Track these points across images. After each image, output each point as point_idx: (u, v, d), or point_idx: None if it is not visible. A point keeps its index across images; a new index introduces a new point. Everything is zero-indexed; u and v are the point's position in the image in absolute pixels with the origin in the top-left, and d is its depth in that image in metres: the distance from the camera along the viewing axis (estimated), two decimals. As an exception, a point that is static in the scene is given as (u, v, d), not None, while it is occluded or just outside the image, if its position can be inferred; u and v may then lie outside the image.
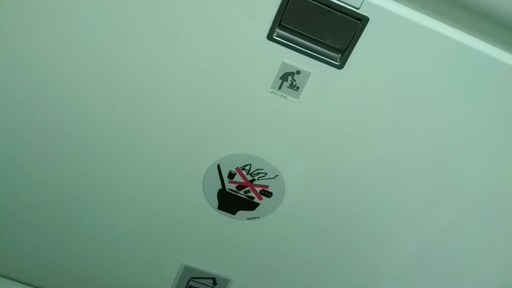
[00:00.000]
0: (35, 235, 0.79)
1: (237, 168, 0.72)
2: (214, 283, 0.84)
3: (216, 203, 0.75)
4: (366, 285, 0.83)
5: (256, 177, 0.73)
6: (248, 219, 0.77)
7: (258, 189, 0.74)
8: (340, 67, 0.60)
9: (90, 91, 0.65)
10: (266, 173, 0.72)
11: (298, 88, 0.63)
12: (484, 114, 0.64)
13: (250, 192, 0.74)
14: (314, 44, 0.60)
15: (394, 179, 0.71)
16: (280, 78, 0.62)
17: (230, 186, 0.74)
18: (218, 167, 0.72)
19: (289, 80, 0.62)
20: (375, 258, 0.80)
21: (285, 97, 0.64)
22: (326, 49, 0.60)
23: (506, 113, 0.64)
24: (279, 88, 0.63)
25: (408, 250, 0.78)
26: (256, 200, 0.75)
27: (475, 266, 0.80)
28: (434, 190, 0.72)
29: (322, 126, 0.66)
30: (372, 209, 0.74)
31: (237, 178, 0.73)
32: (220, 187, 0.74)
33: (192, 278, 0.84)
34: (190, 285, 0.85)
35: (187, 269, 0.83)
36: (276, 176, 0.72)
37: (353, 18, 0.57)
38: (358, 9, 0.56)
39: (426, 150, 0.68)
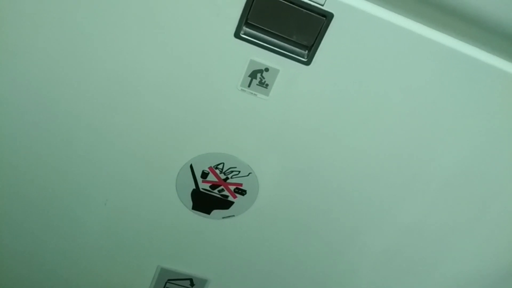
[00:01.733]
0: (7, 241, 0.78)
1: (210, 167, 0.72)
2: (192, 284, 0.84)
3: (190, 203, 0.75)
4: (341, 278, 0.84)
5: (229, 176, 0.73)
6: (223, 218, 0.77)
7: (232, 188, 0.74)
8: (307, 63, 0.61)
9: (58, 91, 0.63)
10: (239, 171, 0.72)
11: (267, 85, 0.64)
12: (446, 102, 0.66)
13: (224, 190, 0.74)
14: (281, 41, 0.60)
15: (364, 174, 0.72)
16: (249, 76, 0.63)
17: (203, 186, 0.74)
18: (191, 167, 0.71)
19: (258, 77, 0.63)
20: (349, 251, 0.81)
21: (255, 94, 0.64)
22: (293, 45, 0.61)
23: (470, 101, 0.66)
24: (249, 85, 0.63)
25: (381, 242, 0.80)
26: (230, 198, 0.75)
27: (447, 255, 0.82)
28: (404, 183, 0.73)
29: (293, 122, 0.67)
30: (345, 204, 0.75)
31: (211, 177, 0.73)
32: (194, 187, 0.73)
33: (169, 280, 0.84)
34: (167, 287, 0.84)
35: (163, 271, 0.82)
36: (249, 173, 0.73)
37: (318, 14, 0.58)
38: (322, 5, 0.57)
39: (395, 144, 0.70)
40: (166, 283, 0.84)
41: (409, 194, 0.75)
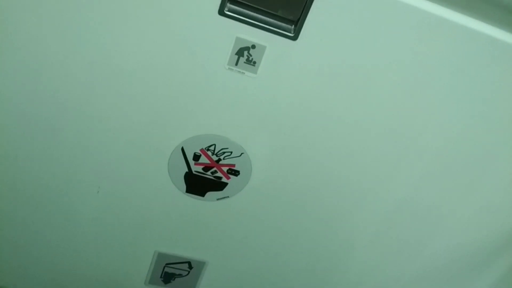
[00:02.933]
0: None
1: (201, 149, 0.71)
2: (190, 267, 0.84)
3: (184, 186, 0.75)
4: (336, 255, 0.85)
5: (221, 157, 0.72)
6: (218, 199, 0.77)
7: (225, 169, 0.74)
8: (294, 38, 0.60)
9: (44, 77, 0.62)
10: (231, 152, 0.72)
11: (255, 63, 0.62)
12: (438, 75, 0.65)
13: (217, 172, 0.74)
14: (267, 16, 0.59)
15: (357, 148, 0.72)
16: (236, 54, 0.61)
17: (196, 168, 0.73)
18: (182, 150, 0.71)
19: (245, 55, 0.62)
20: (343, 228, 0.81)
21: (242, 73, 0.63)
22: (279, 21, 0.59)
23: (460, 71, 0.65)
24: (236, 64, 0.62)
25: (374, 218, 0.80)
26: (224, 180, 0.75)
27: (441, 228, 0.83)
28: (396, 157, 0.73)
29: (283, 99, 0.66)
30: (338, 180, 0.75)
31: (203, 159, 0.72)
32: (186, 170, 0.73)
33: (167, 264, 0.84)
34: (166, 272, 0.84)
35: (161, 255, 0.82)
36: (241, 154, 0.72)
37: (303, -13, 0.57)
38: (307, -23, 0.56)
39: (386, 118, 0.69)
40: (164, 267, 0.84)
41: (401, 168, 0.75)
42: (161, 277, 0.85)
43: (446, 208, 0.80)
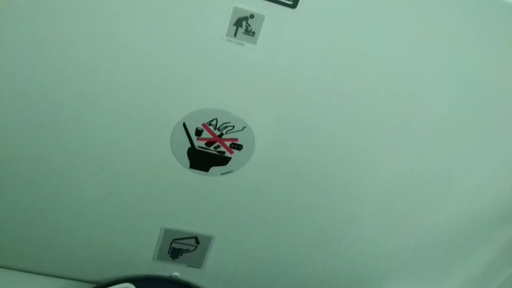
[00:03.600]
0: (7, 214, 0.78)
1: (203, 124, 0.71)
2: (197, 242, 0.85)
3: (187, 162, 0.74)
4: (342, 226, 0.85)
5: (224, 131, 0.72)
6: (222, 174, 0.77)
7: (227, 143, 0.73)
8: (293, 6, 0.59)
9: (45, 58, 0.61)
10: (233, 126, 0.71)
11: (254, 33, 0.61)
12: (442, 38, 0.64)
13: (220, 147, 0.73)
14: (264, -16, 0.58)
15: (360, 118, 0.71)
16: (234, 25, 0.60)
17: (199, 144, 0.73)
18: (184, 125, 0.70)
19: (243, 25, 0.60)
20: (349, 199, 0.81)
21: (242, 44, 0.62)
22: (277, -12, 0.58)
23: (466, 34, 0.64)
24: (235, 35, 0.61)
25: (379, 188, 0.80)
26: (227, 154, 0.74)
27: (447, 195, 0.83)
28: (400, 124, 0.72)
29: (284, 70, 0.65)
30: (342, 150, 0.75)
31: (205, 134, 0.72)
32: (189, 145, 0.73)
33: (174, 240, 0.84)
34: (173, 247, 0.85)
35: (168, 231, 0.83)
36: (244, 127, 0.71)
37: (300, -49, 0.55)
38: None
39: (389, 84, 0.68)
40: (171, 243, 0.85)
41: (405, 136, 0.74)
42: (168, 252, 0.86)
43: (451, 177, 0.80)
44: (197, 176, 0.76)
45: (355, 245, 0.88)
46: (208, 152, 0.74)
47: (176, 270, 0.89)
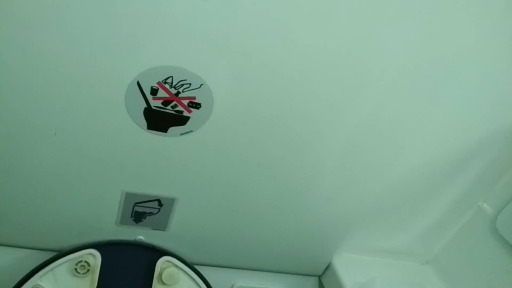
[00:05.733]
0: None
1: (158, 83, 0.69)
2: (160, 204, 0.84)
3: (145, 123, 0.73)
4: (305, 181, 0.86)
5: (180, 90, 0.70)
6: (181, 134, 0.75)
7: (185, 102, 0.72)
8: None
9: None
10: (190, 84, 0.69)
11: (205, -16, 0.59)
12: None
13: (177, 106, 0.72)
14: None
15: (318, 71, 0.71)
16: (185, -25, 0.58)
17: (155, 103, 0.71)
18: (138, 84, 0.68)
19: (194, -24, 0.58)
20: (310, 153, 0.82)
21: (193, -4, 0.60)
22: None
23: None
24: (185, -14, 0.59)
25: (340, 141, 0.81)
26: (185, 114, 0.73)
27: (405, 146, 0.84)
28: (359, 75, 0.72)
29: (238, 22, 0.64)
30: (301, 104, 0.75)
31: (161, 93, 0.70)
32: (145, 105, 0.71)
33: (136, 203, 0.83)
34: (136, 211, 0.84)
35: (129, 195, 0.82)
36: (201, 85, 0.70)
37: None
38: None
39: (345, 38, 0.68)
40: (134, 207, 0.84)
41: (364, 88, 0.74)
42: (131, 216, 0.85)
43: (408, 129, 0.81)
44: (156, 137, 0.75)
45: (318, 200, 0.89)
46: (166, 112, 0.72)
47: (140, 234, 0.89)
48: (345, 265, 1.01)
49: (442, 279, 1.04)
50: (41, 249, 0.87)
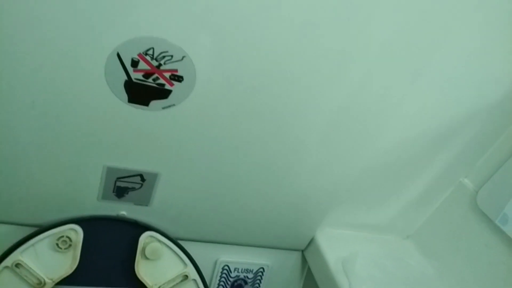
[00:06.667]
0: None
1: (139, 54, 0.67)
2: (143, 179, 0.83)
3: (125, 96, 0.71)
4: (290, 156, 0.86)
5: (162, 62, 0.68)
6: (163, 108, 0.74)
7: (167, 75, 0.70)
8: None
9: None
10: (172, 56, 0.68)
11: (186, -50, 0.57)
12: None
13: (159, 79, 0.70)
14: None
15: (303, 44, 0.70)
16: None
17: (136, 76, 0.69)
18: (118, 55, 0.66)
19: None
20: (295, 127, 0.81)
21: (174, -37, 0.57)
22: None
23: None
24: (165, -48, 0.56)
25: (324, 115, 0.80)
26: (167, 87, 0.71)
27: (388, 119, 0.84)
28: (342, 47, 0.72)
29: (221, -7, 0.62)
30: (284, 79, 0.73)
31: (142, 65, 0.68)
32: (126, 78, 0.69)
33: (118, 178, 0.82)
34: (118, 186, 0.83)
35: (110, 170, 0.80)
36: (183, 57, 0.68)
37: None
38: None
39: (332, 10, 0.67)
40: (116, 181, 0.82)
41: (347, 62, 0.73)
42: (113, 191, 0.84)
43: (392, 103, 0.81)
44: (137, 111, 0.73)
45: (300, 175, 0.89)
46: (147, 84, 0.70)
47: (123, 209, 0.88)
48: (328, 239, 1.02)
49: (423, 254, 1.06)
50: (22, 225, 0.86)
